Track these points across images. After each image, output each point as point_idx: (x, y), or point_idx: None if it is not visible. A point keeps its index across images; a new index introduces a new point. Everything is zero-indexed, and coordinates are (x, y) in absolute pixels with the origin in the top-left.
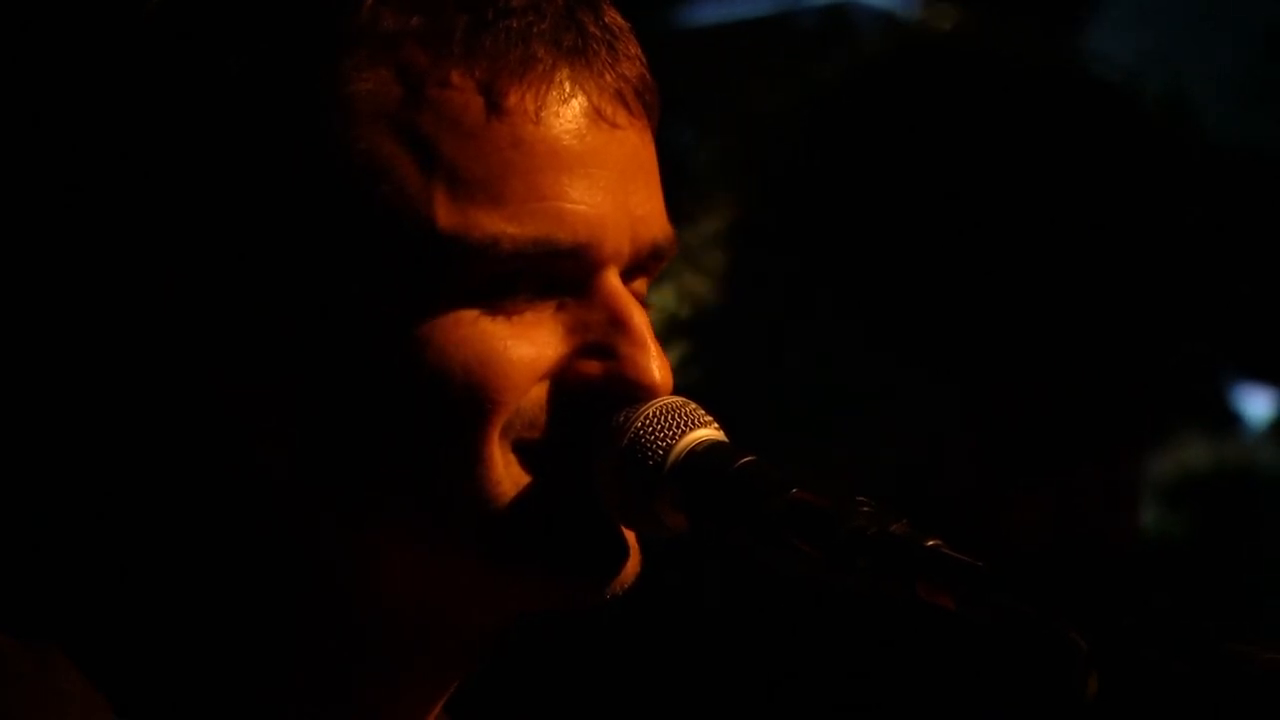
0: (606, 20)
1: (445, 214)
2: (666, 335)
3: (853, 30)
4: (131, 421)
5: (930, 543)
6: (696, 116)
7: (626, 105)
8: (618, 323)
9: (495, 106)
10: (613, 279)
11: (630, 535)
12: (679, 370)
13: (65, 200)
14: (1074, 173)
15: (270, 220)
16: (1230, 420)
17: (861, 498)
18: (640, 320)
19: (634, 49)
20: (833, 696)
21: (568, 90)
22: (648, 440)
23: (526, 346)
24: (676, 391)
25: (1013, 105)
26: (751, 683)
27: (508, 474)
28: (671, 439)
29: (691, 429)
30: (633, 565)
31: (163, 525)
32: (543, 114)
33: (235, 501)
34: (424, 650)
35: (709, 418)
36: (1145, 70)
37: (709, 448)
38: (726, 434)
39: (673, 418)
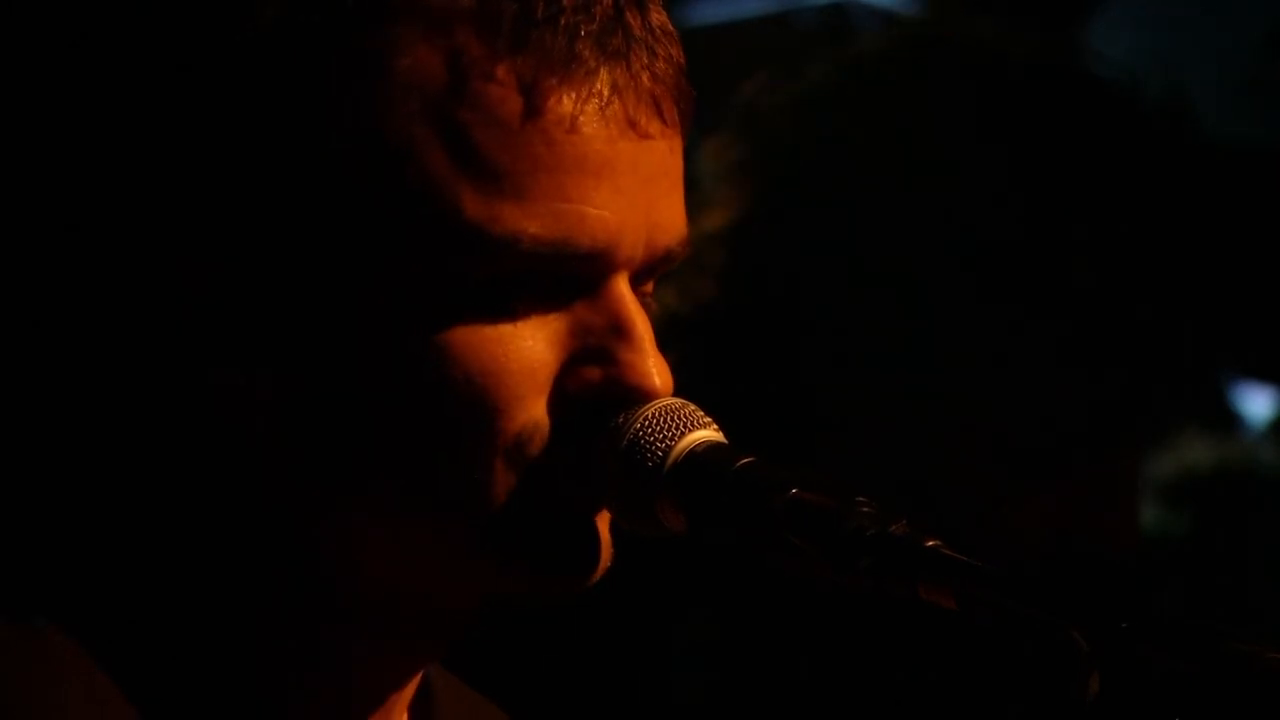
0: (653, 21)
1: (471, 204)
2: (669, 335)
3: (853, 30)
4: (132, 409)
5: (930, 543)
6: (698, 115)
7: (661, 114)
8: (620, 329)
9: (533, 106)
10: (622, 286)
11: (605, 532)
12: (680, 370)
13: (71, 186)
14: (1073, 172)
15: (287, 196)
16: (1230, 420)
17: (862, 498)
18: (643, 327)
19: (675, 53)
20: (833, 696)
21: (606, 97)
22: (647, 441)
23: (530, 355)
24: (677, 391)
25: (1012, 105)
26: (751, 682)
27: (506, 478)
28: (671, 440)
29: (691, 430)
30: (604, 561)
31: (160, 510)
32: (579, 120)
33: (233, 489)
34: (416, 631)
35: (708, 419)
36: (1145, 70)
37: (709, 448)
38: (726, 435)
39: (672, 419)
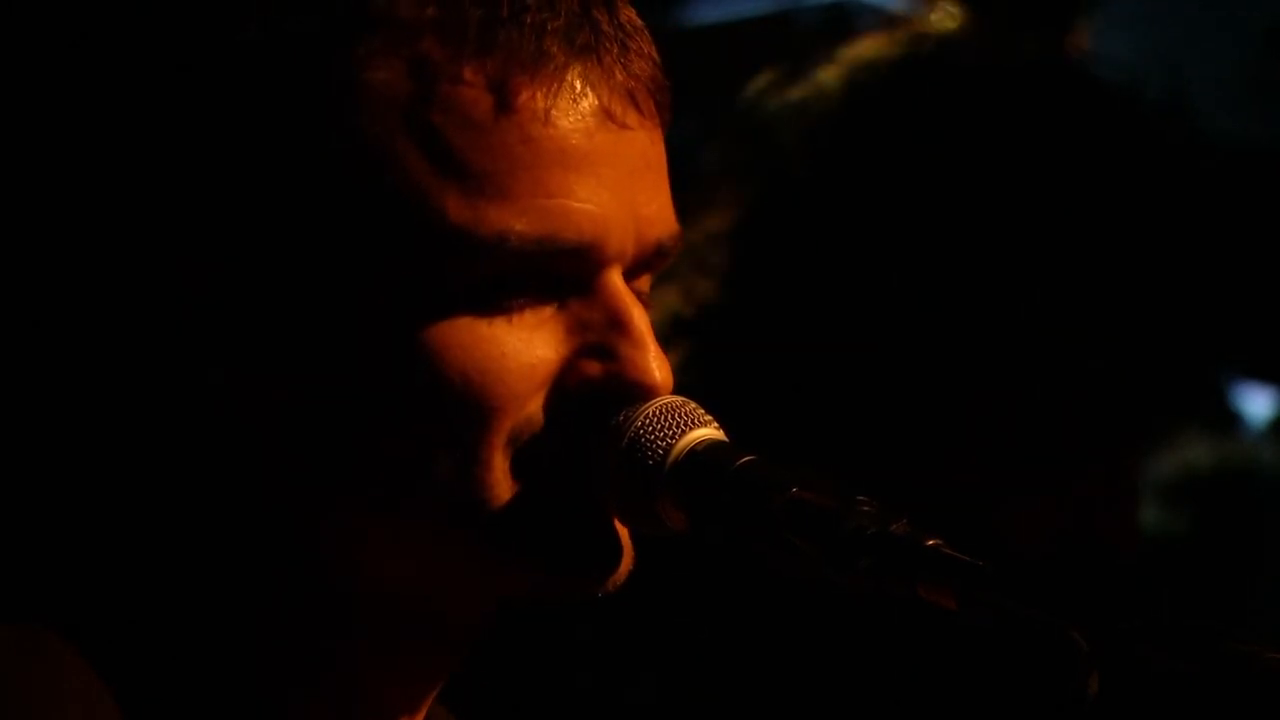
0: (622, 18)
1: (455, 207)
2: (670, 335)
3: (853, 30)
4: (131, 410)
5: (930, 542)
6: (698, 115)
7: (637, 106)
8: (618, 323)
9: (505, 104)
10: (615, 279)
11: (625, 533)
12: (681, 370)
13: (70, 189)
14: (1074, 172)
15: (276, 208)
16: (1230, 420)
17: (862, 497)
18: (641, 320)
19: (648, 48)
20: (833, 696)
21: (578, 89)
22: (648, 440)
23: (527, 353)
24: (678, 391)
25: (1012, 105)
26: (751, 682)
27: (506, 475)
28: (671, 438)
29: (691, 428)
30: (626, 564)
31: (159, 511)
32: (552, 113)
33: (233, 492)
34: (422, 637)
35: (709, 417)
36: (1145, 70)
37: (709, 447)
38: (727, 434)
39: (673, 417)
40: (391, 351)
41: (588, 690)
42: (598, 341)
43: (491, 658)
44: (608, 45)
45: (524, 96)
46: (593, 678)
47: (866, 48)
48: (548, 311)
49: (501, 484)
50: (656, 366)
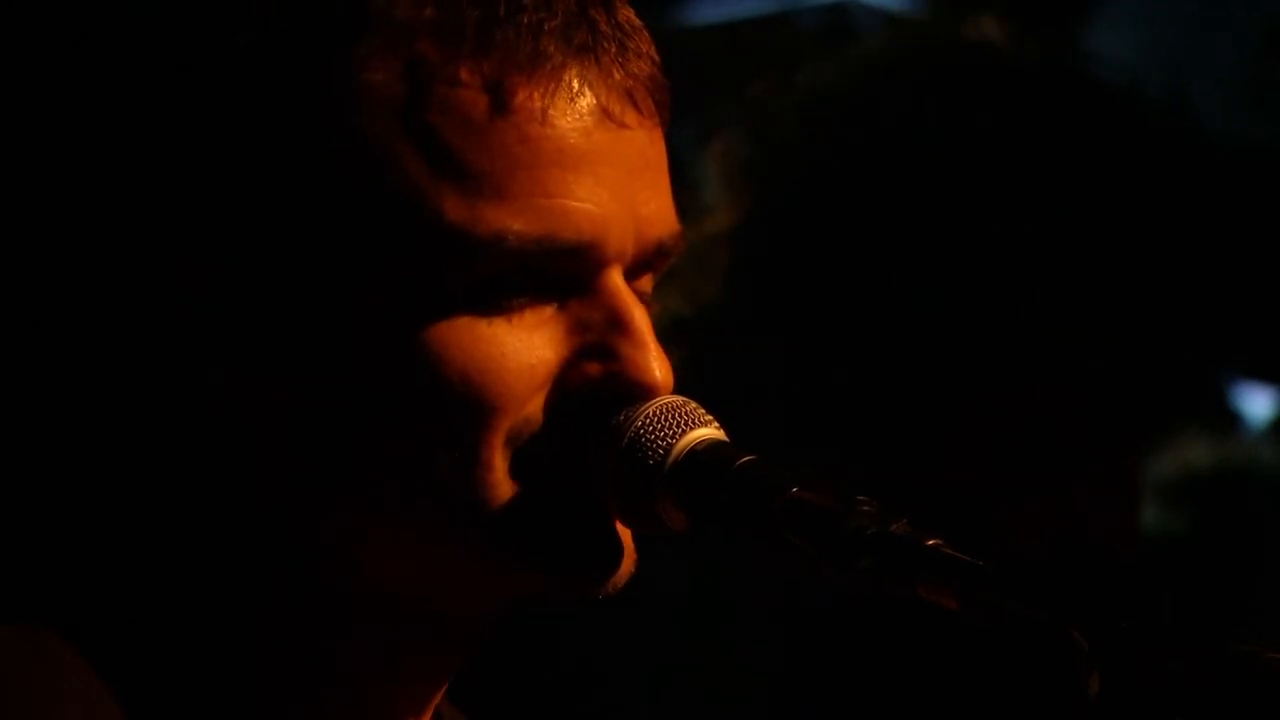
0: (620, 18)
1: (453, 207)
2: (670, 335)
3: (853, 30)
4: (132, 411)
5: (931, 542)
6: (698, 115)
7: (636, 105)
8: (618, 323)
9: (502, 104)
10: (615, 278)
11: (626, 535)
12: (682, 370)
13: (70, 190)
14: (1074, 173)
15: (276, 209)
16: (1230, 420)
17: (862, 497)
18: (641, 320)
19: (646, 47)
20: (834, 696)
21: (576, 89)
22: (648, 440)
23: (526, 353)
24: (678, 391)
25: (1012, 105)
26: (752, 682)
27: (507, 475)
28: (672, 438)
29: (692, 428)
30: (627, 565)
31: (159, 511)
32: (550, 113)
33: (234, 492)
34: (422, 638)
35: (709, 417)
36: (1145, 70)
37: (709, 447)
38: (728, 434)
39: (673, 417)
40: (391, 351)
41: (585, 690)
42: (598, 341)
43: (493, 658)
44: (605, 45)
45: (521, 96)
46: (590, 677)
47: (867, 48)
48: (548, 311)
49: (501, 484)
50: (657, 366)
